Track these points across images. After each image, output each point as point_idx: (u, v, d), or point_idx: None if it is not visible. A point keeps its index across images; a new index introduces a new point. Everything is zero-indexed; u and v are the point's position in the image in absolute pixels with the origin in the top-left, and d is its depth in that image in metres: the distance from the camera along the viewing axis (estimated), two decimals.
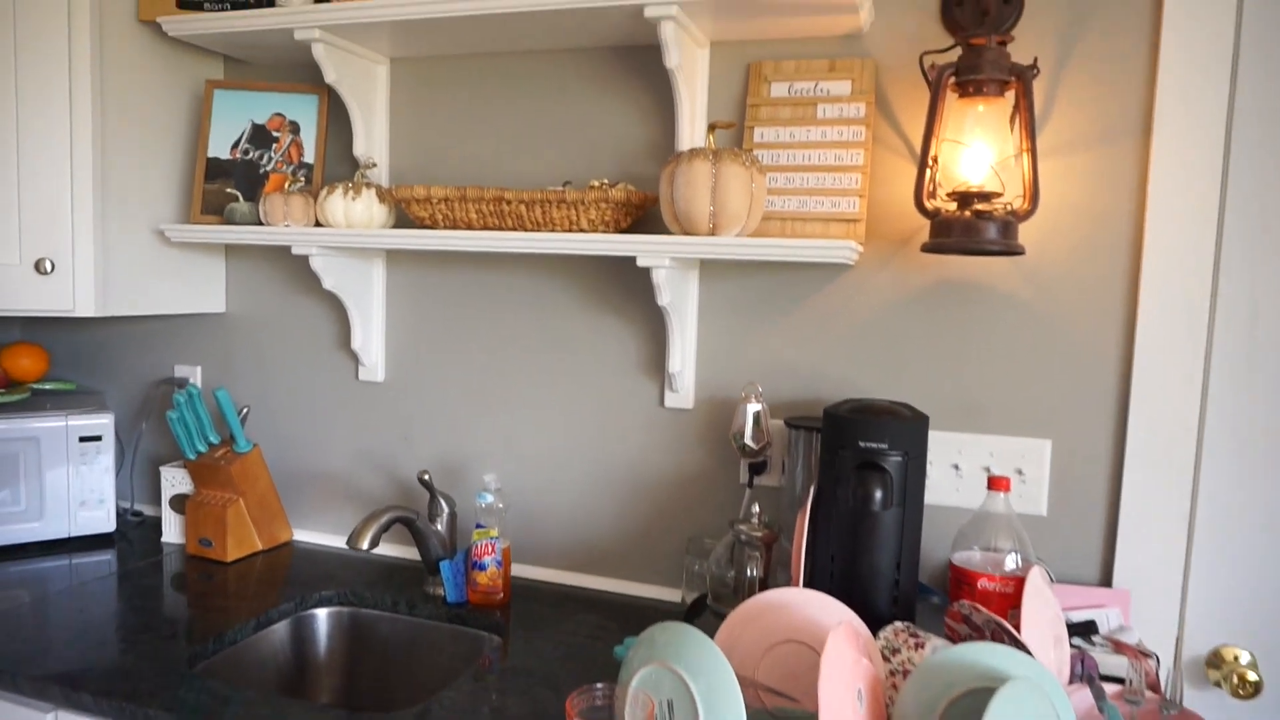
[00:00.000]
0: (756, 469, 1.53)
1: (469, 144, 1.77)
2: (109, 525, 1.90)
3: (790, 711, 1.10)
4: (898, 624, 1.18)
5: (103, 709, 1.24)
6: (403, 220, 1.80)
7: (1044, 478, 1.45)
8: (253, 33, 1.64)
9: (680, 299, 1.57)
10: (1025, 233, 1.43)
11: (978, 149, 1.32)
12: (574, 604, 1.63)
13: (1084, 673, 1.20)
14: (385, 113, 1.81)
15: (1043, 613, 1.14)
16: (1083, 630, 1.32)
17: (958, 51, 1.43)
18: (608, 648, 1.44)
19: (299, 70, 1.88)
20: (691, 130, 1.54)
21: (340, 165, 1.86)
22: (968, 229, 1.30)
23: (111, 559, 1.78)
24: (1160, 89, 1.35)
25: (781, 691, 1.11)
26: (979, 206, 1.32)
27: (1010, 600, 1.23)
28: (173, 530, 1.88)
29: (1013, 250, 1.31)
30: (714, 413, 1.64)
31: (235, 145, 1.81)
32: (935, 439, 1.50)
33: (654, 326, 1.66)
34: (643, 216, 1.61)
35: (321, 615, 1.65)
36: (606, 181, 1.51)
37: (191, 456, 1.81)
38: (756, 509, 1.43)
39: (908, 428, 1.26)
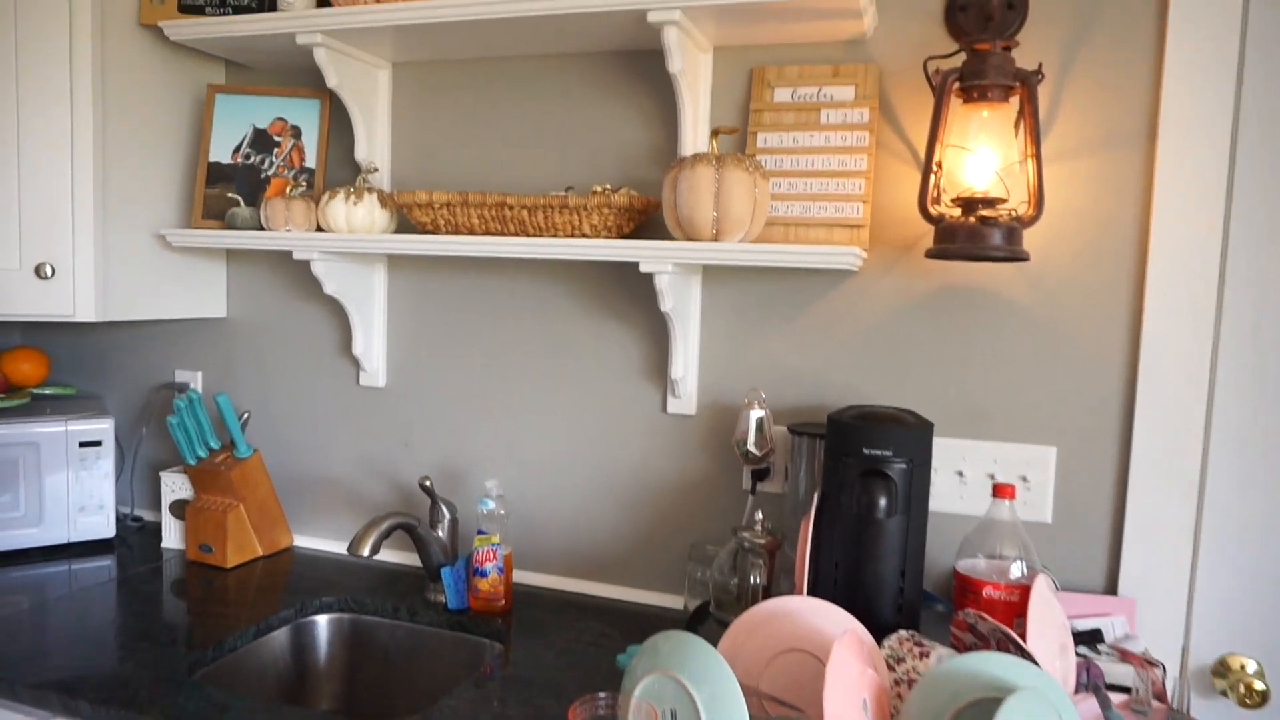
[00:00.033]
0: (759, 475, 1.52)
1: (471, 149, 1.76)
2: (109, 531, 1.89)
3: None
4: (902, 632, 1.17)
5: (101, 717, 1.23)
6: (404, 225, 1.80)
7: (1049, 485, 1.44)
8: (254, 37, 1.64)
9: (683, 304, 1.56)
10: (1030, 238, 1.42)
11: (982, 154, 1.32)
12: (576, 611, 1.62)
13: (1089, 682, 1.19)
14: (387, 117, 1.81)
15: (1048, 621, 1.14)
16: (1088, 639, 1.31)
17: (962, 57, 1.42)
18: (610, 655, 1.43)
19: (301, 75, 1.87)
20: (694, 135, 1.54)
21: (342, 170, 1.85)
22: (972, 235, 1.29)
23: (111, 564, 1.77)
24: (1165, 94, 1.34)
25: (785, 701, 1.11)
26: (984, 212, 1.31)
27: (1015, 609, 1.22)
28: (173, 536, 1.88)
29: (1018, 256, 1.30)
30: (717, 419, 1.63)
31: (236, 150, 1.80)
32: (939, 445, 1.49)
33: (656, 332, 1.65)
34: (645, 222, 1.60)
35: (322, 622, 1.64)
36: (609, 186, 1.50)
37: (192, 462, 1.80)
38: (759, 516, 1.42)
39: (912, 435, 1.25)
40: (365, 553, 1.49)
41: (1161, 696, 1.20)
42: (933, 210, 1.35)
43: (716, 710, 0.95)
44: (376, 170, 1.72)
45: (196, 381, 2.02)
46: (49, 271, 1.63)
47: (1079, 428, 1.42)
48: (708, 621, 1.44)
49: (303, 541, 1.95)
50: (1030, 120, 1.31)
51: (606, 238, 1.49)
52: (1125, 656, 1.26)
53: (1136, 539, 1.39)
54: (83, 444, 1.85)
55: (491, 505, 1.59)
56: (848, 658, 0.97)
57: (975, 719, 0.91)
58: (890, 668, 1.12)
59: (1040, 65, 1.32)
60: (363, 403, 1.88)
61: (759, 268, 1.57)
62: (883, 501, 1.23)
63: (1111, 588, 1.42)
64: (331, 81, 1.66)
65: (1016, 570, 1.24)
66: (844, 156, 1.48)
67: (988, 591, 1.23)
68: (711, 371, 1.63)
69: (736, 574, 1.41)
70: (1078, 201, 1.41)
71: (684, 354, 1.59)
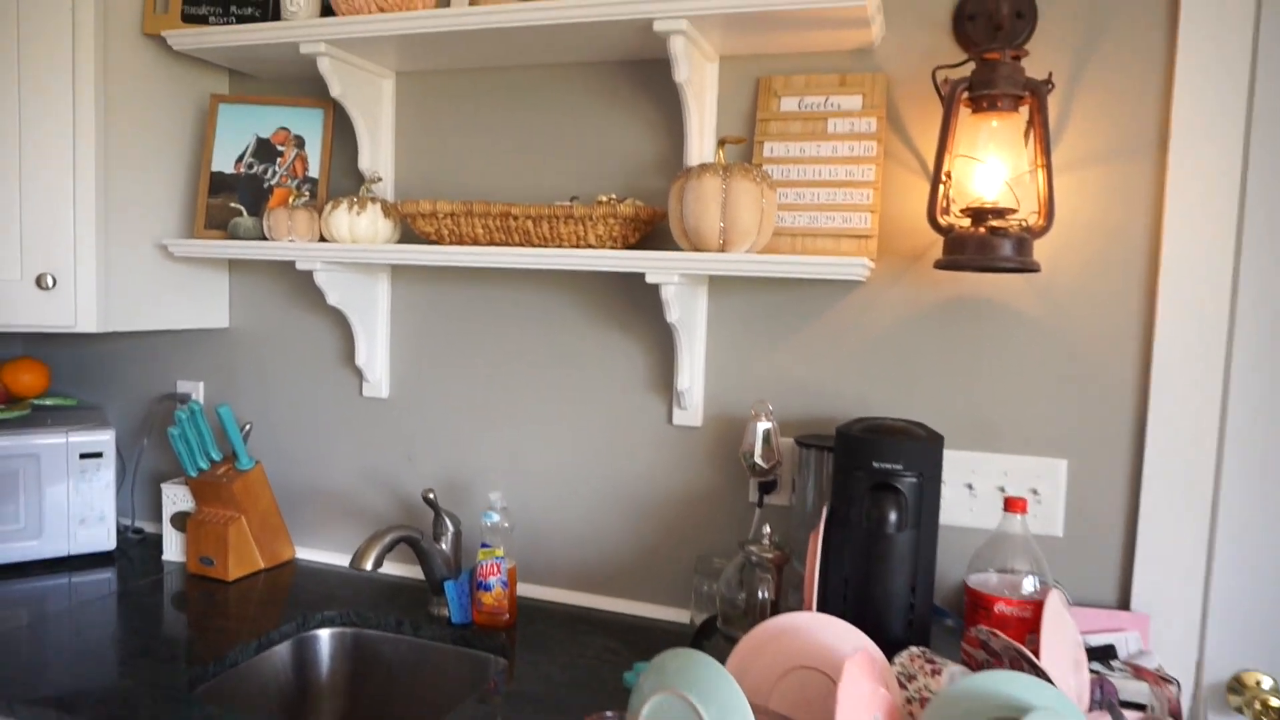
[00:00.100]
0: (766, 488, 1.50)
1: (475, 158, 1.75)
2: (109, 543, 1.87)
3: None
4: (913, 649, 1.16)
5: None
6: (408, 235, 1.78)
7: (1059, 498, 1.42)
8: (257, 46, 1.63)
9: (689, 315, 1.55)
10: (1039, 249, 1.41)
11: (992, 164, 1.31)
12: (581, 625, 1.60)
13: (1103, 699, 1.17)
14: (391, 127, 1.80)
15: (1062, 638, 1.12)
16: (1101, 655, 1.29)
17: (971, 66, 1.41)
18: (616, 671, 1.42)
19: (304, 84, 1.86)
20: (700, 145, 1.53)
21: (345, 179, 1.84)
22: (982, 246, 1.28)
23: (111, 577, 1.76)
24: (1176, 103, 1.33)
25: None
26: (993, 223, 1.30)
27: (1028, 625, 1.20)
28: (174, 548, 1.86)
29: (1028, 267, 1.29)
30: (723, 431, 1.61)
31: (239, 159, 1.79)
32: (948, 458, 1.47)
33: (662, 343, 1.64)
34: (651, 232, 1.59)
35: (324, 636, 1.62)
36: (614, 196, 1.49)
37: (193, 473, 1.79)
38: (767, 529, 1.40)
39: (922, 448, 1.24)
40: (368, 567, 1.47)
41: (1176, 714, 1.18)
42: (942, 220, 1.33)
43: None
44: (380, 180, 1.71)
45: (198, 392, 2.01)
46: (50, 282, 1.62)
47: (1090, 440, 1.41)
48: (715, 637, 1.43)
49: (305, 554, 1.93)
50: (1040, 130, 1.30)
51: (612, 248, 1.48)
52: (1139, 673, 1.24)
53: (1149, 553, 1.37)
54: (83, 455, 1.84)
55: (496, 518, 1.57)
56: (860, 677, 0.96)
57: None
58: (902, 685, 1.10)
59: (1050, 74, 1.31)
60: (365, 414, 1.87)
61: (766, 278, 1.56)
62: (893, 516, 1.22)
63: (1124, 602, 1.40)
64: (335, 91, 1.65)
65: (1029, 585, 1.22)
66: (851, 166, 1.46)
67: (1000, 607, 1.21)
68: (718, 383, 1.61)
69: (744, 589, 1.39)
70: (1087, 211, 1.39)
71: (690, 365, 1.57)
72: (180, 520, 1.85)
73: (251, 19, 1.69)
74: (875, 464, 1.23)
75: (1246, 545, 1.35)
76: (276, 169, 1.79)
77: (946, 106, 1.32)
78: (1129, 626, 1.34)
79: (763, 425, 1.46)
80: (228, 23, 1.69)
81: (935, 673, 1.11)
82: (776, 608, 1.37)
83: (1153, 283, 1.37)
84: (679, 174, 1.40)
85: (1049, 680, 1.00)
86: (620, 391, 1.67)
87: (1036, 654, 1.09)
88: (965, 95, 1.32)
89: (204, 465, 1.80)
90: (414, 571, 1.82)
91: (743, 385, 1.60)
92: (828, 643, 1.11)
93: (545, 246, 1.50)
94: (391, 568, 1.84)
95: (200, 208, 1.78)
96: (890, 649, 1.20)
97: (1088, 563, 1.42)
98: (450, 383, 1.80)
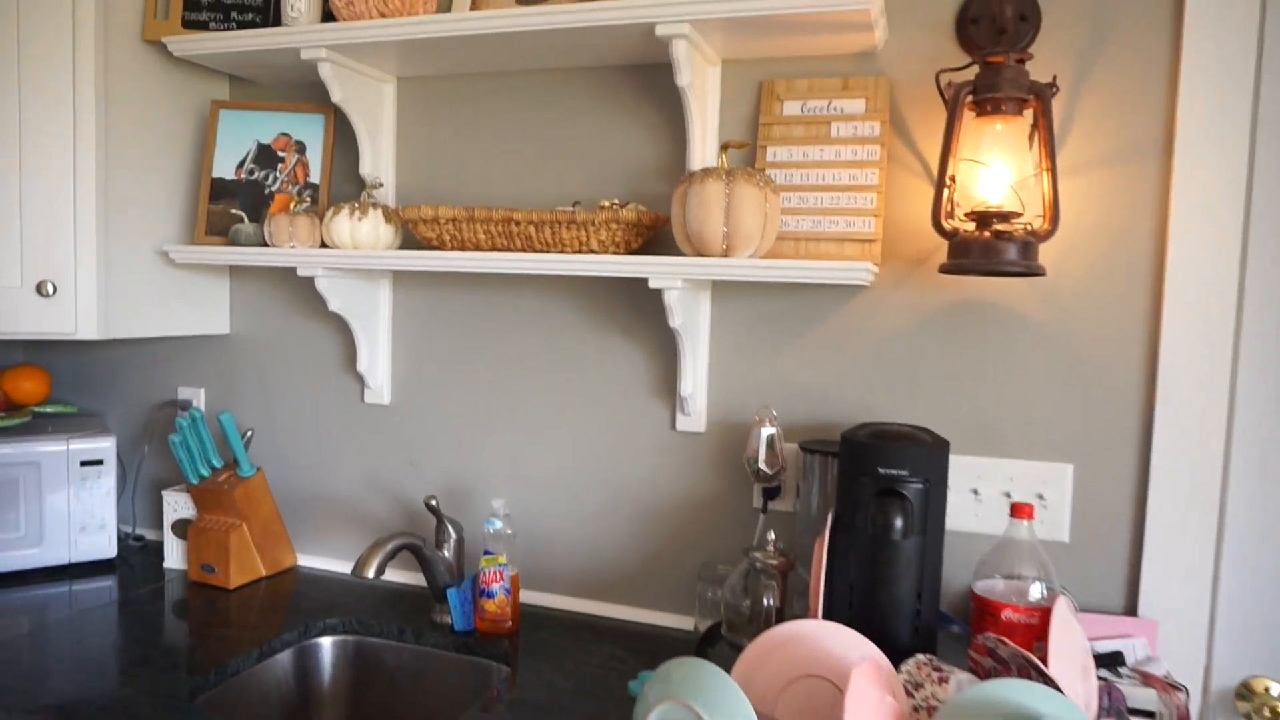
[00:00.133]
0: (770, 494, 1.49)
1: (477, 164, 1.75)
2: (110, 551, 1.87)
3: None
4: (920, 657, 1.15)
5: None
6: (409, 241, 1.78)
7: (1066, 503, 1.41)
8: (259, 52, 1.63)
9: (692, 320, 1.54)
10: (1044, 252, 1.40)
11: (996, 168, 1.30)
12: (584, 632, 1.59)
13: (1112, 706, 1.17)
14: (392, 132, 1.79)
15: (1070, 645, 1.11)
16: (1109, 661, 1.28)
17: (975, 69, 1.41)
18: (620, 679, 1.41)
19: (305, 90, 1.86)
20: (703, 149, 1.52)
21: (346, 185, 1.84)
22: (987, 250, 1.27)
23: (112, 585, 1.75)
24: (1181, 105, 1.32)
25: None
26: (998, 227, 1.29)
27: (1035, 632, 1.19)
28: (175, 556, 1.85)
29: (1034, 271, 1.28)
30: (726, 436, 1.61)
31: (240, 165, 1.79)
32: (954, 463, 1.46)
33: (665, 348, 1.63)
34: (653, 237, 1.58)
35: (326, 644, 1.61)
36: (617, 201, 1.48)
37: (194, 481, 1.78)
38: (772, 536, 1.39)
39: (928, 454, 1.23)
40: (370, 575, 1.46)
41: None
42: (946, 224, 1.33)
43: None
44: (381, 185, 1.70)
45: (199, 399, 2.00)
46: (50, 289, 1.61)
47: (1096, 445, 1.40)
48: (719, 644, 1.42)
49: (307, 561, 1.92)
50: (1045, 133, 1.29)
51: (614, 253, 1.48)
52: (1148, 680, 1.24)
53: (1156, 558, 1.36)
54: (84, 463, 1.83)
55: (498, 525, 1.57)
56: (867, 686, 0.95)
57: None
58: (909, 694, 1.09)
59: (1054, 77, 1.30)
60: (367, 420, 1.86)
61: (769, 283, 1.55)
62: (899, 522, 1.21)
63: (1131, 608, 1.39)
64: (336, 96, 1.64)
65: (1036, 592, 1.21)
66: (855, 170, 1.46)
67: (1007, 614, 1.20)
68: (721, 388, 1.60)
69: (749, 595, 1.38)
70: (1092, 215, 1.39)
71: (693, 370, 1.56)
72: (181, 528, 1.84)
73: (252, 25, 1.68)
74: (881, 470, 1.22)
75: (1254, 550, 1.34)
76: (277, 175, 1.78)
77: (950, 110, 1.31)
78: (1136, 633, 1.33)
79: (766, 431, 1.45)
80: (228, 29, 1.69)
81: (942, 681, 1.10)
82: (781, 615, 1.36)
83: (1158, 286, 1.36)
84: (682, 179, 1.39)
85: (1057, 688, 1.00)
86: (623, 397, 1.66)
87: (1044, 661, 1.08)
88: (969, 98, 1.31)
89: (205, 472, 1.79)
90: (416, 579, 1.82)
91: (746, 390, 1.59)
92: (834, 651, 1.10)
93: (547, 252, 1.49)
94: (394, 575, 1.83)
95: (201, 214, 1.78)
96: (896, 656, 1.20)
97: (1094, 568, 1.41)
98: (452, 389, 1.79)
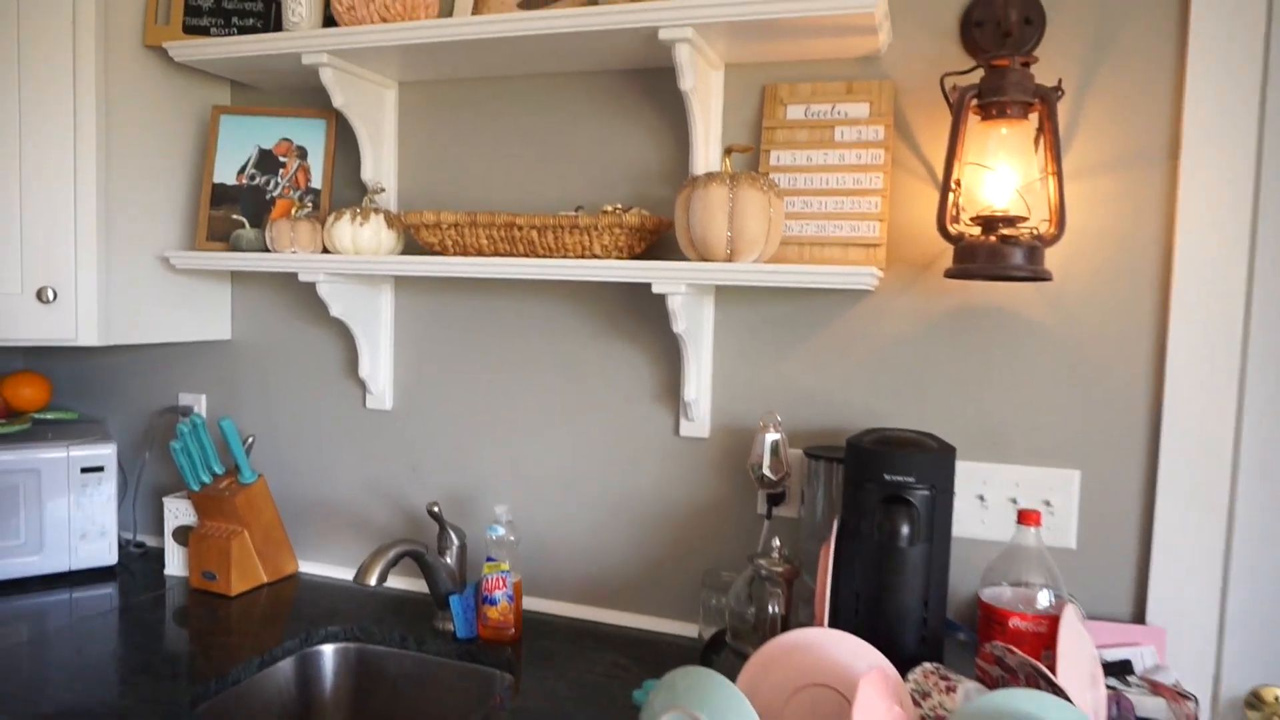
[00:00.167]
0: (774, 500, 1.48)
1: (479, 168, 1.74)
2: (110, 558, 1.86)
3: None
4: (927, 665, 1.14)
5: None
6: (411, 246, 1.77)
7: (1073, 509, 1.40)
8: (260, 58, 1.62)
9: (695, 325, 1.53)
10: (1049, 257, 1.39)
11: (1002, 172, 1.29)
12: (588, 639, 1.58)
13: (1120, 715, 1.15)
14: (394, 137, 1.79)
15: (1079, 654, 1.10)
16: (1117, 670, 1.27)
17: (979, 73, 1.40)
18: (624, 687, 1.40)
19: (307, 95, 1.85)
20: (706, 153, 1.51)
21: (348, 190, 1.83)
22: (993, 254, 1.26)
23: (113, 593, 1.74)
24: (1187, 108, 1.32)
25: None
26: (1004, 231, 1.28)
27: (1044, 640, 1.18)
28: (176, 563, 1.84)
29: (1040, 276, 1.27)
30: (730, 442, 1.60)
31: (241, 171, 1.78)
32: (959, 469, 1.45)
33: (668, 353, 1.62)
34: (657, 242, 1.58)
35: (327, 652, 1.60)
36: (620, 206, 1.48)
37: (195, 487, 1.77)
38: (776, 542, 1.38)
39: (934, 460, 1.22)
40: (372, 582, 1.45)
41: None
42: (952, 229, 1.32)
43: None
44: (383, 190, 1.70)
45: (200, 405, 1.99)
46: (51, 295, 1.61)
47: (1103, 450, 1.39)
48: (724, 652, 1.41)
49: (308, 567, 1.91)
50: (1050, 137, 1.28)
51: (617, 258, 1.47)
52: (1156, 689, 1.22)
53: (1164, 565, 1.35)
54: (84, 469, 1.82)
55: (501, 531, 1.56)
56: (875, 696, 0.94)
57: None
58: (916, 703, 1.08)
59: (1060, 81, 1.29)
60: (369, 426, 1.85)
61: (773, 288, 1.54)
62: (905, 529, 1.20)
63: (1139, 616, 1.38)
64: (338, 101, 1.64)
65: (1044, 599, 1.20)
66: (859, 174, 1.45)
67: (1014, 622, 1.19)
68: (725, 394, 1.59)
69: (753, 603, 1.37)
70: (1098, 219, 1.38)
71: (697, 376, 1.55)
72: (182, 534, 1.83)
73: (253, 30, 1.68)
74: (887, 476, 1.21)
75: (1263, 556, 1.33)
76: (279, 180, 1.78)
77: (955, 114, 1.30)
78: (1145, 641, 1.32)
79: (771, 436, 1.44)
80: (229, 34, 1.68)
81: (950, 690, 1.09)
82: (787, 622, 1.35)
83: (1165, 290, 1.35)
84: (685, 183, 1.38)
85: (1066, 698, 0.99)
86: (626, 403, 1.66)
87: (1053, 670, 1.07)
88: (974, 102, 1.30)
89: (206, 479, 1.78)
90: (418, 585, 1.81)
91: (750, 396, 1.58)
92: (841, 659, 1.09)
93: (550, 257, 1.49)
94: (396, 581, 1.82)
95: (202, 219, 1.77)
96: (903, 665, 1.19)
97: (1102, 575, 1.40)
98: (455, 394, 1.78)
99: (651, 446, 1.64)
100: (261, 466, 1.95)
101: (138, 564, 1.92)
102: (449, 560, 1.63)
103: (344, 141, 1.81)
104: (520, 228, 1.46)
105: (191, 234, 1.86)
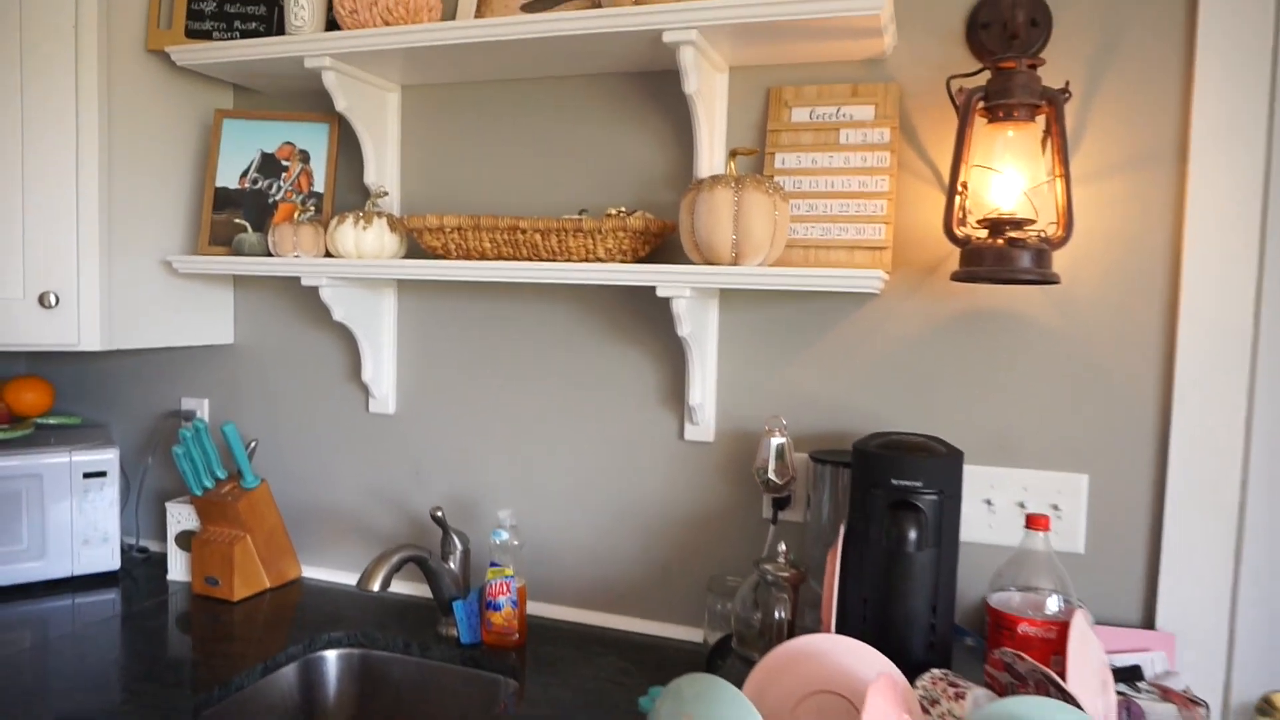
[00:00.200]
0: (780, 504, 1.47)
1: (482, 172, 1.73)
2: (113, 563, 1.85)
3: None
4: (935, 672, 1.13)
5: None
6: (415, 250, 1.76)
7: (1081, 514, 1.39)
8: (262, 61, 1.62)
9: (700, 329, 1.52)
10: (1056, 259, 1.38)
11: (1009, 175, 1.28)
12: (592, 645, 1.57)
13: None
14: (396, 141, 1.78)
15: (1089, 660, 1.09)
16: (1127, 676, 1.26)
17: (985, 75, 1.39)
18: (629, 693, 1.39)
19: (309, 98, 1.85)
20: (710, 156, 1.50)
21: (351, 194, 1.82)
22: (1000, 257, 1.25)
23: (115, 598, 1.73)
24: (1196, 110, 1.31)
25: None
26: (1012, 234, 1.27)
27: (1053, 646, 1.17)
28: (178, 568, 1.84)
29: (1048, 279, 1.26)
30: (735, 446, 1.59)
31: (244, 175, 1.78)
32: (966, 473, 1.44)
33: (673, 357, 1.61)
34: (661, 245, 1.57)
35: (331, 658, 1.59)
36: (624, 209, 1.47)
37: (198, 492, 1.76)
38: (782, 547, 1.37)
39: (942, 464, 1.21)
40: (375, 588, 1.44)
41: None
42: (958, 232, 1.31)
43: None
44: (386, 194, 1.69)
45: (203, 409, 1.99)
46: (53, 300, 1.60)
47: (1112, 454, 1.38)
48: (729, 658, 1.40)
49: (311, 573, 1.91)
50: (1058, 139, 1.28)
51: (621, 261, 1.46)
52: (1167, 695, 1.21)
53: (1174, 570, 1.34)
54: (87, 474, 1.81)
55: (505, 536, 1.55)
56: (883, 704, 0.93)
57: None
58: (925, 710, 1.07)
59: (1067, 83, 1.28)
60: (372, 430, 1.85)
61: (779, 291, 1.53)
62: (913, 534, 1.19)
63: (1149, 621, 1.37)
64: (340, 105, 1.63)
65: (1053, 605, 1.19)
66: (865, 177, 1.44)
67: (1023, 628, 1.18)
68: (730, 397, 1.59)
69: (759, 608, 1.36)
70: (1106, 221, 1.37)
71: (701, 380, 1.55)
72: (185, 539, 1.83)
73: (255, 34, 1.68)
74: (894, 481, 1.21)
75: (1274, 560, 1.32)
76: (281, 184, 1.77)
77: (962, 116, 1.29)
78: (1154, 646, 1.31)
79: (776, 440, 1.44)
80: (231, 38, 1.68)
81: (959, 696, 1.08)
82: (793, 628, 1.34)
83: (1174, 293, 1.34)
84: (690, 186, 1.37)
85: (1077, 705, 0.98)
86: (631, 407, 1.65)
87: (1063, 676, 1.06)
88: (981, 105, 1.29)
89: (209, 484, 1.78)
90: (422, 590, 1.80)
91: (755, 400, 1.57)
92: (848, 666, 1.08)
93: (554, 260, 1.48)
94: (399, 586, 1.81)
95: (204, 224, 1.76)
96: (911, 671, 1.18)
97: (1111, 580, 1.39)
98: (458, 398, 1.77)
99: (656, 451, 1.63)
100: (264, 471, 1.94)
101: (140, 569, 1.91)
102: (452, 565, 1.62)
103: (347, 145, 1.80)
104: (524, 231, 1.46)
105: (194, 238, 1.85)
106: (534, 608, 1.72)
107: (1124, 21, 1.35)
